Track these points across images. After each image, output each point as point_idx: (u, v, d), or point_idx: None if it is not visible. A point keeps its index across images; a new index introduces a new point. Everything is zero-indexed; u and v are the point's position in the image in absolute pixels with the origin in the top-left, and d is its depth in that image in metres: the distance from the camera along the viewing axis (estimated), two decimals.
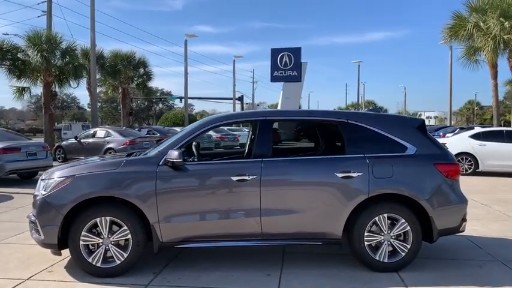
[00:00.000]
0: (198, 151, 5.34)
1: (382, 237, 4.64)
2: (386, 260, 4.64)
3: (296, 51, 18.94)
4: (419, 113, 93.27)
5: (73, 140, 18.28)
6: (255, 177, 4.51)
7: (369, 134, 4.79)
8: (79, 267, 4.54)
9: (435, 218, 4.62)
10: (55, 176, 4.62)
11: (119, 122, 30.71)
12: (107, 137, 17.07)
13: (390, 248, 4.67)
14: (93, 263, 4.46)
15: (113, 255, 4.49)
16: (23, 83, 22.02)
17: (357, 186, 4.56)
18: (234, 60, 47.44)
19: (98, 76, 26.10)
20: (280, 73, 18.76)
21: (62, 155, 17.95)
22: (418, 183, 4.64)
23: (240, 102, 45.18)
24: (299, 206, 4.57)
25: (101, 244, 4.49)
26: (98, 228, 4.48)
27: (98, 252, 4.48)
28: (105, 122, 74.72)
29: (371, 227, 4.64)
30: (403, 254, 4.64)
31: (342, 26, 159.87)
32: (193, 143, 5.25)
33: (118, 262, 4.48)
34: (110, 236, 4.48)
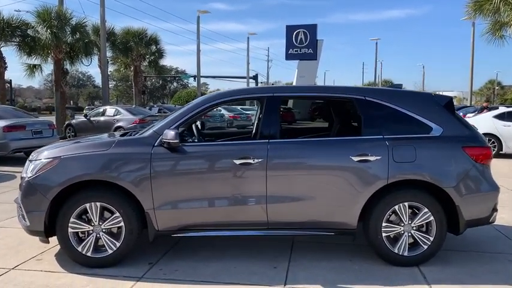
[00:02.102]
0: (200, 131, 4.89)
1: (402, 228, 4.17)
2: (406, 253, 4.17)
3: (312, 28, 18.39)
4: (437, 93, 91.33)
5: (83, 118, 18.04)
6: (260, 160, 4.05)
7: (389, 112, 4.26)
8: (68, 257, 4.18)
9: (462, 208, 4.11)
10: (42, 156, 4.23)
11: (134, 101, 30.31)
12: (116, 115, 16.77)
13: (411, 240, 4.21)
14: (83, 252, 4.09)
15: (104, 244, 4.11)
16: (34, 60, 21.92)
17: (375, 171, 4.07)
18: (248, 38, 46.49)
19: (109, 54, 25.73)
20: (296, 51, 18.30)
21: (72, 133, 17.76)
22: (444, 169, 4.12)
23: (254, 80, 44.49)
24: (309, 193, 4.11)
25: (91, 232, 4.11)
26: (88, 215, 4.10)
27: (88, 240, 4.10)
28: (121, 101, 74.83)
29: (390, 216, 4.17)
30: (425, 246, 4.17)
31: (360, 2, 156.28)
32: (195, 122, 4.80)
33: (110, 251, 4.10)
34: (101, 223, 4.10)
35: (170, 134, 3.97)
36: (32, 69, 22.24)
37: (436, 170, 4.11)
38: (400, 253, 4.17)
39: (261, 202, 4.09)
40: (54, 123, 14.02)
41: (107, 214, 4.13)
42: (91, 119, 17.37)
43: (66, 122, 19.18)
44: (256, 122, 5.65)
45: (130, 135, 4.58)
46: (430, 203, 4.12)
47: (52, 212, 4.08)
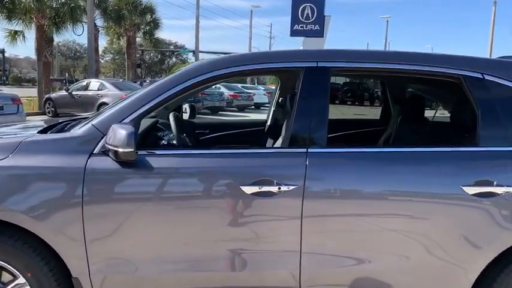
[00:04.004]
0: (182, 123, 2.95)
1: None
2: None
3: (319, 3, 16.66)
4: None
5: (64, 92, 16.02)
6: (292, 188, 2.14)
7: None
8: None
9: None
10: None
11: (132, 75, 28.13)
12: (100, 90, 14.72)
13: None
14: None
15: None
16: (16, 26, 19.87)
17: (504, 213, 2.18)
18: (251, 11, 43.78)
19: (100, 22, 23.74)
20: (301, 27, 16.61)
21: (52, 109, 15.77)
22: None
23: None
24: (380, 250, 2.23)
25: None
26: None
27: None
28: (117, 74, 72.59)
29: None
30: None
31: None
32: (174, 109, 2.88)
33: None
34: None
35: (120, 135, 2.04)
36: (14, 35, 20.23)
37: None
38: None
39: (290, 263, 2.21)
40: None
41: (5, 277, 2.24)
42: (73, 93, 15.34)
43: (46, 96, 17.13)
44: (273, 110, 3.71)
45: (63, 129, 2.63)
46: None
47: None
